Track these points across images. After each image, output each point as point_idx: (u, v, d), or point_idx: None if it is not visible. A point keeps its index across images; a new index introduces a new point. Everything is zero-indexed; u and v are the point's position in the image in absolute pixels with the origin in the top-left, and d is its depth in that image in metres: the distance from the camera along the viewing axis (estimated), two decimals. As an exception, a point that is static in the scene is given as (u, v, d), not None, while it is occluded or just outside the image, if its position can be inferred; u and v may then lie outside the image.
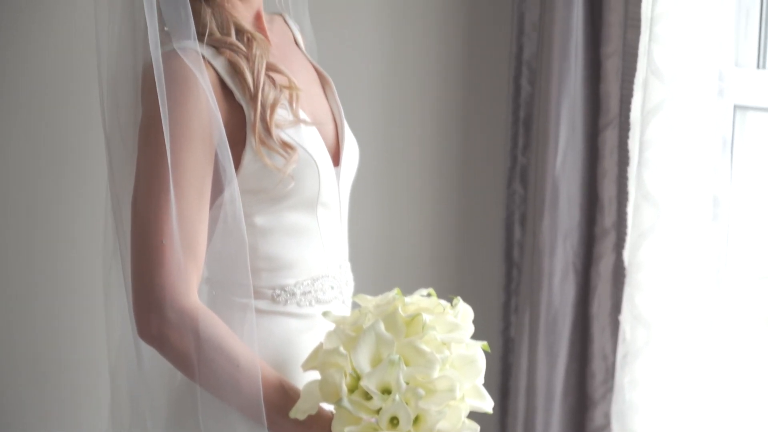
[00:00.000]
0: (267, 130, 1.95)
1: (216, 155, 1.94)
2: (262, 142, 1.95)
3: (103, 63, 2.01)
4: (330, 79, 2.20)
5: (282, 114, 1.99)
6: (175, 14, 1.95)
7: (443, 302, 1.91)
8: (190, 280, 1.89)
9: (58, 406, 2.91)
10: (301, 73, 2.12)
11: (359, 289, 2.24)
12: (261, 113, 1.95)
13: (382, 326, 1.82)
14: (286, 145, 1.97)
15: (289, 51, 2.16)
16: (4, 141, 2.83)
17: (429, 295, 1.93)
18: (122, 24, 1.99)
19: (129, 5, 1.99)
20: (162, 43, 1.94)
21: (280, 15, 2.23)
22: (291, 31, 2.23)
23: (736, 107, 2.72)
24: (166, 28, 1.96)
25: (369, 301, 1.91)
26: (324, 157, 2.03)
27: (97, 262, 2.13)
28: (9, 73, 2.82)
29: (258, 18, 2.10)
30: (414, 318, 1.84)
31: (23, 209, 2.86)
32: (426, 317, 1.84)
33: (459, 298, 1.92)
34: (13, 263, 2.87)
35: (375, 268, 3.06)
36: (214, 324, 1.89)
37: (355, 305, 2.00)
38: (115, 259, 2.03)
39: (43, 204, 2.86)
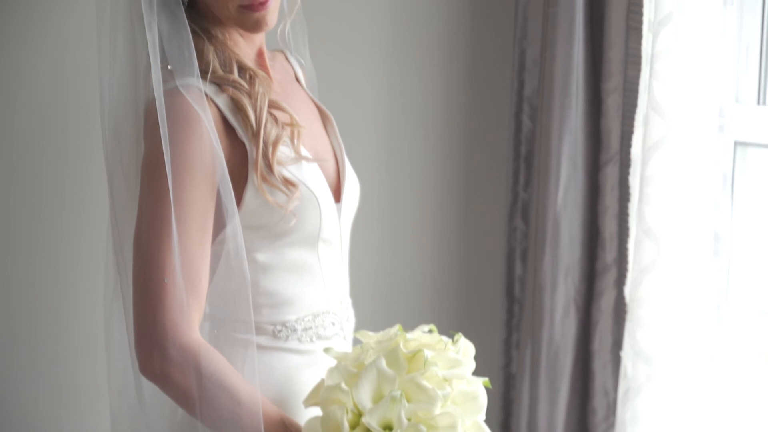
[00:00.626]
0: (269, 167, 1.96)
1: (218, 192, 1.94)
2: (264, 179, 1.96)
3: (105, 99, 2.02)
4: (331, 116, 2.21)
5: (284, 151, 2.00)
6: (178, 52, 1.97)
7: (445, 338, 1.92)
8: (192, 318, 1.89)
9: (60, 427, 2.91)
10: (302, 110, 2.13)
11: (361, 324, 2.24)
12: (263, 150, 1.96)
13: (383, 362, 1.82)
14: (288, 182, 1.97)
15: (290, 87, 2.17)
16: (6, 146, 2.84)
17: (430, 331, 1.93)
18: (125, 61, 2.00)
19: (131, 42, 2.00)
20: (164, 81, 1.95)
21: (282, 52, 2.24)
22: (292, 67, 2.24)
23: (736, 143, 2.73)
24: (169, 66, 1.97)
25: (370, 337, 1.91)
26: (325, 194, 2.04)
27: (98, 276, 2.13)
28: (9, 75, 2.84)
29: (260, 55, 2.11)
30: (415, 354, 1.84)
31: (24, 215, 2.86)
32: (427, 353, 1.84)
33: (460, 334, 1.93)
34: (14, 267, 2.87)
35: (376, 304, 3.06)
36: (216, 361, 1.89)
37: (356, 341, 2.00)
38: (116, 297, 2.03)
39: (46, 212, 2.87)
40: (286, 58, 2.24)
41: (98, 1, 2.04)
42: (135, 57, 2.00)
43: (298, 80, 2.23)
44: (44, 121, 2.85)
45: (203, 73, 1.99)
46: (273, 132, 1.99)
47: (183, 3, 2.02)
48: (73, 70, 2.83)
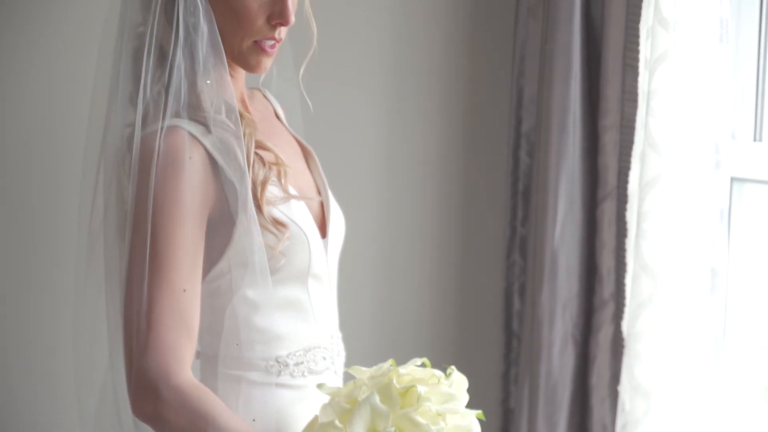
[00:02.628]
0: (258, 208, 1.97)
1: (207, 231, 1.95)
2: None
3: (92, 137, 2.03)
4: (312, 151, 2.21)
5: (272, 191, 2.01)
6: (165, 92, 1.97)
7: (437, 372, 1.92)
8: (184, 358, 1.89)
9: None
10: (284, 148, 2.14)
11: (359, 359, 2.25)
12: (252, 191, 1.97)
13: (377, 398, 1.83)
14: (278, 223, 1.98)
15: (272, 126, 2.18)
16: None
17: (423, 364, 1.93)
18: (120, 100, 2.00)
19: (115, 81, 2.01)
20: (152, 120, 1.96)
21: (258, 89, 2.25)
22: (271, 104, 2.24)
23: (732, 179, 2.74)
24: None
25: (363, 373, 1.91)
26: (313, 231, 2.05)
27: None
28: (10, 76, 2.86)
29: (242, 95, 2.12)
30: (409, 389, 1.84)
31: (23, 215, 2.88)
32: (421, 389, 1.84)
33: (453, 367, 1.93)
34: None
35: (373, 339, 3.06)
36: (209, 400, 1.89)
37: (349, 376, 2.01)
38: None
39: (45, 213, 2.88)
40: (264, 96, 2.25)
41: (102, 37, 2.04)
42: (126, 94, 2.00)
43: (277, 117, 2.24)
44: (43, 121, 2.86)
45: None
46: (261, 173, 1.99)
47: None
48: (69, 75, 2.85)
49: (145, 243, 1.89)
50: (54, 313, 2.91)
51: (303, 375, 2.04)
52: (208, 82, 1.98)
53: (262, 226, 1.96)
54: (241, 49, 2.02)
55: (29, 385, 2.92)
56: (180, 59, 1.97)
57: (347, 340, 2.19)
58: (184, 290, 1.90)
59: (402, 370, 1.88)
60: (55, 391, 2.91)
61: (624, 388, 2.71)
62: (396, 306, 3.10)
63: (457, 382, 1.91)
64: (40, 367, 2.92)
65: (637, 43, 2.67)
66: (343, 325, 2.18)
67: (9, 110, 2.86)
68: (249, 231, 1.95)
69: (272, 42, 2.02)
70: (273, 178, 2.01)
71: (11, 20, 2.84)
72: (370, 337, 3.04)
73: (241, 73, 2.10)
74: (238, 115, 2.00)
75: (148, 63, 1.96)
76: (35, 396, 2.92)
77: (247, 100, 2.12)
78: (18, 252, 2.91)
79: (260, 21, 2.00)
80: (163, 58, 1.97)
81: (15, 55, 2.85)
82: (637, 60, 2.68)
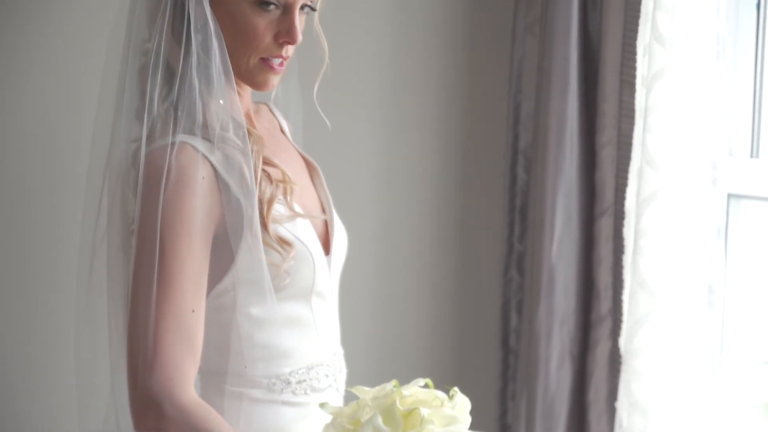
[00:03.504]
0: (264, 226, 1.96)
1: (212, 248, 1.95)
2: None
3: (97, 152, 2.03)
4: (317, 167, 2.21)
5: (278, 209, 2.00)
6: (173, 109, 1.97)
7: (440, 393, 1.92)
8: (187, 375, 1.89)
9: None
10: (291, 164, 2.13)
11: (355, 376, 2.24)
12: (258, 209, 1.96)
13: (380, 420, 1.82)
14: (284, 242, 1.98)
15: (278, 141, 2.17)
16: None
17: (426, 385, 1.93)
18: (126, 115, 2.00)
19: (121, 96, 2.00)
20: (159, 136, 1.95)
21: (265, 104, 2.24)
22: (276, 119, 2.24)
23: (729, 196, 2.74)
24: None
25: (366, 393, 1.91)
26: (317, 248, 2.05)
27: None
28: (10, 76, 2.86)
29: (247, 112, 2.12)
30: (412, 411, 1.84)
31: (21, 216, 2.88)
32: (424, 411, 1.83)
33: (456, 389, 1.92)
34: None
35: (371, 356, 3.06)
36: (212, 418, 1.89)
37: (351, 395, 2.01)
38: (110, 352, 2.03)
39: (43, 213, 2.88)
40: (270, 110, 2.24)
41: (108, 50, 2.04)
42: (132, 110, 2.00)
43: (282, 131, 2.24)
44: (43, 122, 2.86)
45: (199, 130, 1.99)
46: (268, 191, 1.99)
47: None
48: (69, 73, 2.85)
49: (151, 260, 1.89)
50: (57, 318, 2.91)
51: (305, 393, 2.04)
52: (221, 101, 1.97)
53: (268, 245, 1.96)
54: (248, 66, 2.01)
55: (30, 398, 2.92)
56: (189, 76, 1.96)
57: (346, 356, 2.19)
58: (191, 309, 1.90)
59: (405, 391, 1.88)
60: (56, 407, 2.91)
61: (621, 404, 2.71)
62: (393, 321, 3.10)
63: (460, 405, 1.90)
64: (42, 378, 2.92)
65: (634, 60, 2.67)
66: (341, 342, 2.18)
67: (9, 111, 2.86)
68: (254, 249, 1.95)
69: (280, 60, 2.02)
70: (280, 196, 2.01)
71: (11, 20, 2.84)
72: (367, 353, 3.03)
73: (247, 89, 2.09)
74: (246, 132, 2.00)
75: (155, 79, 1.96)
76: (37, 411, 2.91)
77: (253, 115, 2.12)
78: (17, 254, 2.91)
79: (267, 39, 1.99)
80: (170, 74, 1.97)
81: (15, 55, 2.85)
82: (634, 76, 2.68)
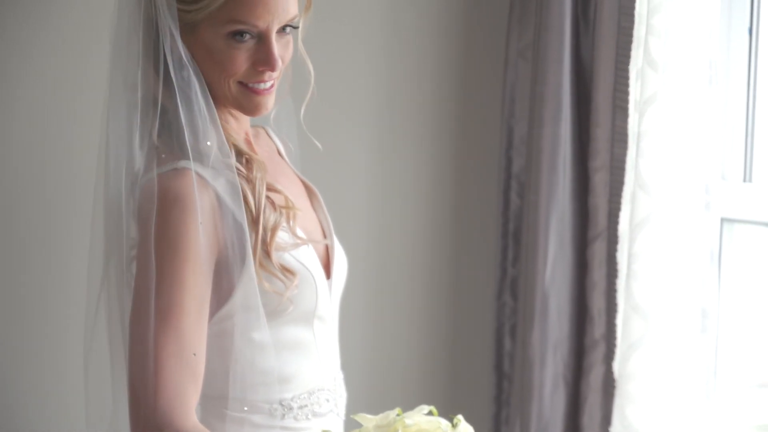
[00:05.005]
0: (267, 253, 1.96)
1: (214, 274, 1.94)
2: (262, 266, 1.95)
3: (109, 175, 2.02)
4: (316, 191, 2.21)
5: (282, 236, 1.99)
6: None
7: (444, 422, 1.90)
8: (189, 401, 1.87)
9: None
10: (290, 188, 2.13)
11: (351, 399, 2.24)
12: (262, 236, 1.95)
13: (383, 449, 1.81)
14: (286, 270, 1.97)
15: (277, 165, 2.17)
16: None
17: (430, 413, 1.91)
18: (127, 147, 1.99)
19: (117, 128, 2.00)
20: (162, 163, 1.95)
21: (262, 127, 2.24)
22: (274, 143, 2.24)
23: (723, 220, 2.74)
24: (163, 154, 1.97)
25: (369, 421, 1.89)
26: (319, 272, 2.04)
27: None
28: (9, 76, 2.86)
29: (246, 135, 2.11)
30: (415, 441, 1.82)
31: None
32: (427, 440, 1.82)
33: (460, 417, 1.90)
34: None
35: (366, 380, 3.05)
36: None
37: (353, 423, 2.00)
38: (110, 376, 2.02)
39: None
40: (267, 134, 2.24)
41: (111, 76, 2.03)
42: (130, 141, 2.00)
43: (280, 155, 2.24)
44: (43, 122, 2.87)
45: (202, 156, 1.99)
46: (272, 218, 1.98)
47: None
48: (69, 74, 2.85)
49: (152, 284, 1.88)
50: (57, 318, 2.91)
51: (307, 418, 2.03)
52: (209, 143, 1.97)
53: (271, 273, 1.95)
54: (232, 93, 2.00)
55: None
56: (177, 110, 1.96)
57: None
58: (193, 335, 1.89)
59: (408, 420, 1.86)
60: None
61: (615, 428, 2.70)
62: (386, 344, 3.09)
63: (463, 433, 1.89)
64: (42, 379, 2.92)
65: (626, 85, 2.68)
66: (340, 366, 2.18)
67: (9, 112, 2.87)
68: (255, 276, 1.94)
69: (262, 85, 2.01)
70: (283, 222, 2.00)
71: (11, 21, 2.84)
72: (360, 376, 3.02)
73: (244, 115, 2.09)
74: (249, 159, 1.99)
75: (153, 113, 1.96)
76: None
77: (252, 140, 2.12)
78: (17, 254, 2.91)
79: (245, 68, 1.99)
80: (163, 108, 1.97)
81: (14, 56, 2.86)
82: (626, 101, 2.68)
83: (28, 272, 2.91)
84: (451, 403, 3.07)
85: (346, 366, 2.23)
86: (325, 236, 2.13)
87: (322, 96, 2.97)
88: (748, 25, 2.75)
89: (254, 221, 1.95)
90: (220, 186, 1.95)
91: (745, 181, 2.77)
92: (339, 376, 2.13)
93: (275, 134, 2.24)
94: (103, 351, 2.01)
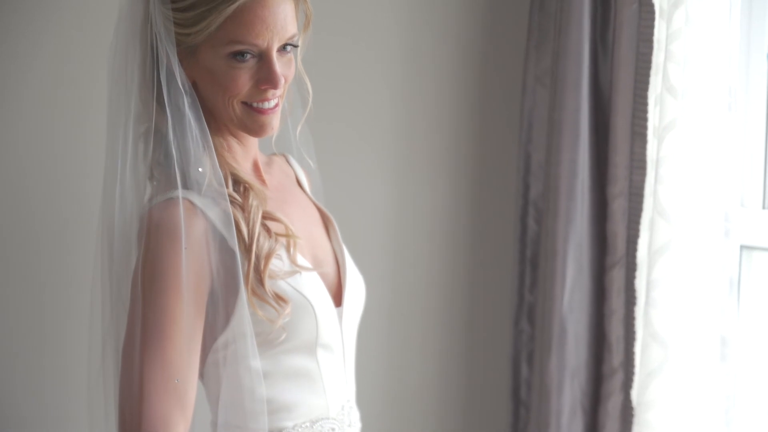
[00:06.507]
0: (260, 281, 1.95)
1: (207, 303, 1.94)
2: (255, 294, 1.95)
3: (105, 205, 2.03)
4: (333, 219, 2.20)
5: (277, 264, 1.99)
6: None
7: None
8: (174, 428, 1.88)
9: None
10: (301, 215, 2.12)
11: (367, 426, 2.23)
12: (255, 264, 1.96)
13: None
14: (279, 298, 1.96)
15: (289, 192, 2.17)
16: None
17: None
18: (129, 177, 1.99)
19: (114, 159, 2.00)
20: (156, 192, 1.95)
21: (283, 155, 2.24)
22: (293, 170, 2.23)
23: (742, 247, 2.73)
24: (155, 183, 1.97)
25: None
26: (323, 301, 2.03)
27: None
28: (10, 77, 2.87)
29: (255, 160, 2.11)
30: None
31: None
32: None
33: None
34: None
35: (382, 408, 3.04)
36: None
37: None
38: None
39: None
40: (287, 161, 2.24)
41: (109, 108, 2.04)
42: (131, 172, 2.00)
43: (299, 183, 2.23)
44: (43, 123, 2.87)
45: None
46: (266, 246, 1.98)
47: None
48: (69, 74, 2.85)
49: (143, 314, 1.89)
50: (57, 319, 2.92)
51: None
52: (200, 169, 1.97)
53: (263, 300, 1.95)
54: (236, 114, 2.01)
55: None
56: (176, 139, 1.96)
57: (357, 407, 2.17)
58: (181, 362, 1.89)
59: None
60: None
61: (634, 457, 2.69)
62: (403, 371, 3.08)
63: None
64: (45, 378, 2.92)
65: (645, 111, 2.67)
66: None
67: (9, 113, 2.87)
68: (248, 303, 1.94)
69: (266, 104, 2.01)
70: (280, 250, 2.00)
71: (11, 22, 2.85)
72: (374, 403, 3.01)
73: (251, 139, 2.09)
74: (247, 187, 1.99)
75: (151, 141, 1.96)
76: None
77: (262, 166, 2.11)
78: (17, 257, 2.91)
79: (248, 87, 1.99)
80: (161, 138, 1.98)
81: (15, 58, 2.87)
82: (645, 127, 2.68)
83: (29, 272, 2.91)
84: (468, 431, 3.05)
85: (362, 395, 2.22)
86: (338, 265, 2.12)
87: (340, 121, 2.98)
88: (767, 51, 2.74)
89: (247, 249, 1.95)
90: (214, 214, 1.96)
91: (764, 208, 2.76)
92: (349, 405, 2.11)
93: (296, 162, 2.24)
94: (106, 375, 2.02)
